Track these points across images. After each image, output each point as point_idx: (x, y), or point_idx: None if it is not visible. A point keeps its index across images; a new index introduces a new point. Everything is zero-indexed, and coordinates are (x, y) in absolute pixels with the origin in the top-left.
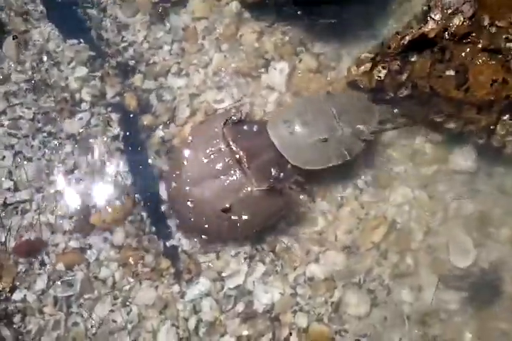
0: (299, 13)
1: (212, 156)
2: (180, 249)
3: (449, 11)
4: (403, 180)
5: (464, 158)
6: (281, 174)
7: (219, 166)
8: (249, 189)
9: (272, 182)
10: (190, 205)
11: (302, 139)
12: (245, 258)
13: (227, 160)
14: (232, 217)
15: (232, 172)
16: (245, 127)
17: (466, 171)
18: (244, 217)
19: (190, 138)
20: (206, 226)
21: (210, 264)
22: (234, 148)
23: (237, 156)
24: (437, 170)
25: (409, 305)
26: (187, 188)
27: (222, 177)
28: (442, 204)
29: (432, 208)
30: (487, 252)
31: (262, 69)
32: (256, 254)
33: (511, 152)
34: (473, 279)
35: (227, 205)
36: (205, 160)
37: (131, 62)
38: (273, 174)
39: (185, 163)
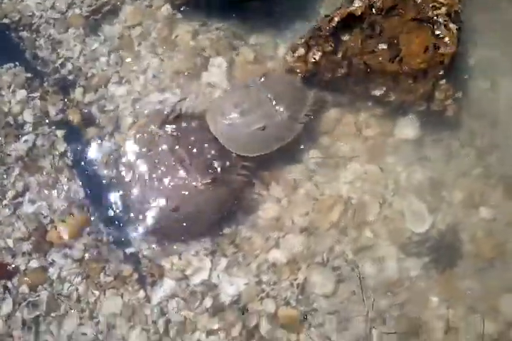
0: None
1: (155, 159)
2: (140, 255)
3: None
4: (352, 157)
5: (408, 128)
6: (227, 163)
7: (163, 167)
8: (194, 184)
9: (215, 175)
10: (142, 209)
11: (242, 129)
12: (207, 255)
13: (170, 161)
14: (183, 215)
15: (176, 171)
16: (184, 124)
17: (412, 139)
18: (196, 213)
19: (133, 143)
20: (161, 228)
21: (172, 265)
22: (174, 147)
23: (179, 155)
24: (384, 143)
25: (373, 277)
26: (136, 193)
27: (167, 177)
28: (393, 175)
29: (383, 180)
30: (443, 215)
31: (201, 67)
32: (217, 249)
33: (452, 114)
34: (433, 243)
35: (175, 205)
36: (151, 164)
37: (70, 77)
38: (216, 166)
39: (132, 169)
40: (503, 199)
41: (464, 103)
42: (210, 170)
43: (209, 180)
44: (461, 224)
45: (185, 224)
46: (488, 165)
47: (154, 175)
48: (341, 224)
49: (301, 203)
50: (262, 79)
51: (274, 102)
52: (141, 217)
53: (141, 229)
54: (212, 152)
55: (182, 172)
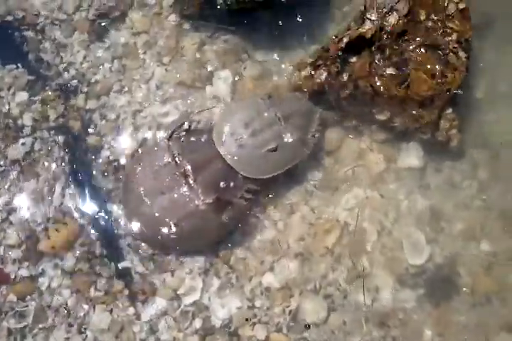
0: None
1: (159, 171)
2: (133, 271)
3: (385, 10)
4: (353, 181)
5: (411, 155)
6: (231, 184)
7: (166, 181)
8: (196, 203)
9: (218, 195)
10: (142, 224)
11: (252, 150)
12: (200, 274)
13: (173, 175)
14: (180, 232)
15: (179, 187)
16: (192, 138)
17: (414, 168)
18: (193, 231)
19: (137, 154)
20: (157, 243)
21: (164, 283)
22: (179, 162)
23: (183, 170)
24: (386, 169)
25: (367, 307)
26: (136, 206)
27: (169, 192)
28: (394, 203)
29: (384, 207)
30: (441, 247)
31: (206, 80)
32: (210, 268)
33: (457, 145)
34: (429, 275)
35: (173, 222)
36: (153, 176)
37: (73, 83)
38: (221, 185)
39: (133, 180)
40: (504, 233)
41: (468, 134)
42: (213, 189)
43: (211, 200)
44: (459, 257)
45: (181, 241)
46: (490, 197)
47: (154, 189)
48: (337, 251)
49: (297, 227)
50: (271, 98)
51: (283, 122)
52: (137, 230)
53: (135, 243)
54: (218, 170)
55: (185, 189)
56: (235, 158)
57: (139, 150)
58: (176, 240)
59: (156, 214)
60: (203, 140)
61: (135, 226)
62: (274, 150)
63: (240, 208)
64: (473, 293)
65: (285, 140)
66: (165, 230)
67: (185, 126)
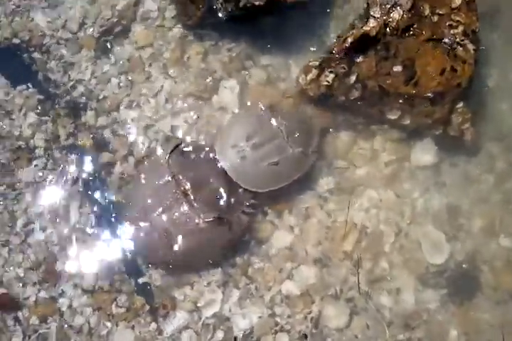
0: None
1: (159, 190)
2: (153, 285)
3: (388, 6)
4: (367, 183)
5: (424, 152)
6: (232, 200)
7: (167, 200)
8: (196, 221)
9: (219, 212)
10: (145, 241)
11: (254, 164)
12: (219, 286)
13: (174, 194)
14: (186, 250)
15: (180, 205)
16: (193, 155)
17: (429, 165)
18: (198, 248)
19: (143, 171)
20: (166, 260)
21: (185, 296)
22: (179, 180)
23: (183, 188)
24: (400, 168)
25: (389, 310)
26: (142, 223)
27: (170, 211)
28: (410, 202)
29: (399, 207)
30: (461, 244)
31: (212, 90)
32: (229, 280)
33: (470, 139)
34: (451, 273)
35: (176, 240)
36: (153, 195)
37: (82, 100)
38: (222, 202)
39: (137, 198)
40: None
41: (482, 126)
42: (214, 207)
43: (211, 218)
44: (480, 254)
45: (187, 260)
46: (508, 190)
47: (160, 208)
48: (355, 255)
49: (314, 232)
50: (273, 110)
51: (285, 135)
52: (147, 247)
53: (148, 260)
54: (219, 186)
55: (185, 207)
56: (236, 170)
57: (146, 166)
58: (181, 260)
59: (160, 233)
60: (202, 156)
61: (145, 244)
62: (276, 164)
63: (242, 224)
64: (496, 290)
65: (287, 154)
66: (168, 251)
67: (185, 143)
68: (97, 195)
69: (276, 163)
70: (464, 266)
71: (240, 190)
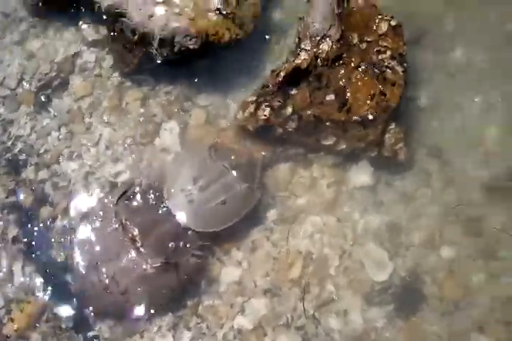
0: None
1: (107, 238)
2: (101, 338)
3: (318, 38)
4: (309, 210)
5: (361, 175)
6: (181, 243)
7: (115, 247)
8: (144, 267)
9: (166, 257)
10: (92, 290)
11: (203, 205)
12: (169, 329)
13: (121, 240)
14: (134, 297)
15: (127, 252)
16: (140, 200)
17: (366, 186)
18: (147, 294)
19: (87, 221)
20: (113, 310)
21: None
22: (127, 226)
23: (131, 234)
24: (339, 192)
25: (338, 332)
26: (89, 275)
27: (118, 258)
28: (351, 224)
29: (341, 230)
30: (403, 260)
31: (154, 133)
32: (179, 322)
33: (404, 158)
34: (395, 289)
35: (123, 288)
36: (101, 243)
37: (22, 156)
38: (170, 246)
39: (86, 249)
40: (463, 235)
41: (415, 144)
42: (161, 252)
43: (158, 264)
44: (422, 267)
45: (137, 305)
46: (445, 202)
47: (106, 256)
48: (303, 281)
49: (261, 264)
50: (215, 148)
51: (231, 173)
52: (94, 299)
53: (95, 312)
54: (168, 230)
55: (133, 254)
56: (187, 214)
57: (91, 216)
58: (129, 307)
59: (105, 284)
60: (149, 200)
61: (93, 296)
62: (224, 204)
63: (191, 267)
64: (442, 301)
65: (234, 191)
66: (115, 298)
67: (132, 189)
68: (40, 252)
69: (224, 201)
70: (407, 279)
71: (189, 232)
